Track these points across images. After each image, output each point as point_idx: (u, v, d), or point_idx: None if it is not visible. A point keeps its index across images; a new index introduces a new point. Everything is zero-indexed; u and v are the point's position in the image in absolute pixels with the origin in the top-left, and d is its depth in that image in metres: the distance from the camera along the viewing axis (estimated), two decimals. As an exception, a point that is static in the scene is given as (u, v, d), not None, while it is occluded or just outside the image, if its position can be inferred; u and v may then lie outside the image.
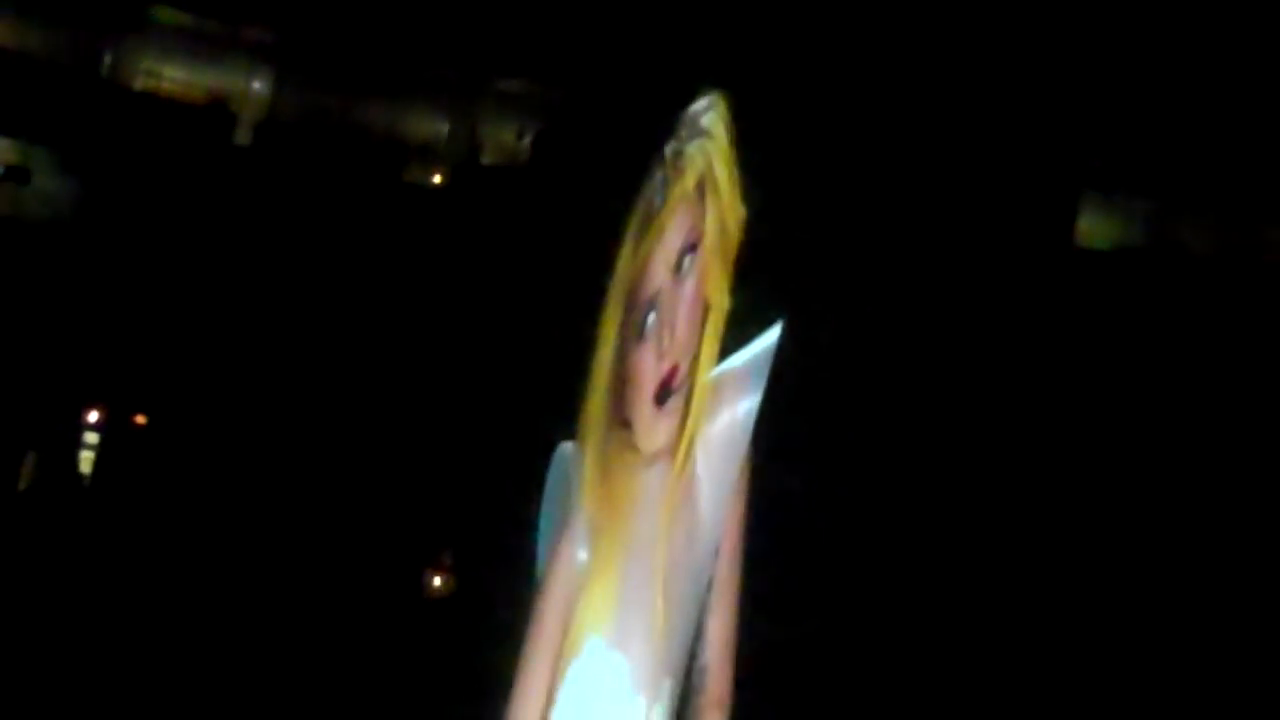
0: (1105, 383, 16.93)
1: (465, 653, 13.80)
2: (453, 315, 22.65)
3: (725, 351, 3.57)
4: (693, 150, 3.58)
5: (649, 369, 3.51)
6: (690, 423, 3.52)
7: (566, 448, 3.68)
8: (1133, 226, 21.62)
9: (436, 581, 18.06)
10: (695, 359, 3.54)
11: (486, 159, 27.58)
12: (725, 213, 3.56)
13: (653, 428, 3.51)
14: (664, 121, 3.67)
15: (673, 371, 3.50)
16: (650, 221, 3.57)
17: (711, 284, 3.55)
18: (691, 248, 3.53)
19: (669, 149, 3.60)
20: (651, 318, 3.52)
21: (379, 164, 26.36)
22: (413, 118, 27.62)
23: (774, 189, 3.62)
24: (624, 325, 3.56)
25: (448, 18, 25.68)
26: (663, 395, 3.50)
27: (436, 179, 27.07)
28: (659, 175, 3.59)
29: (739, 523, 3.60)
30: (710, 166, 3.56)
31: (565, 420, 3.66)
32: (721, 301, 3.55)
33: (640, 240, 3.57)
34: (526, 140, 26.93)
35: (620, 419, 3.55)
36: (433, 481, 19.83)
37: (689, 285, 3.54)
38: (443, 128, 27.78)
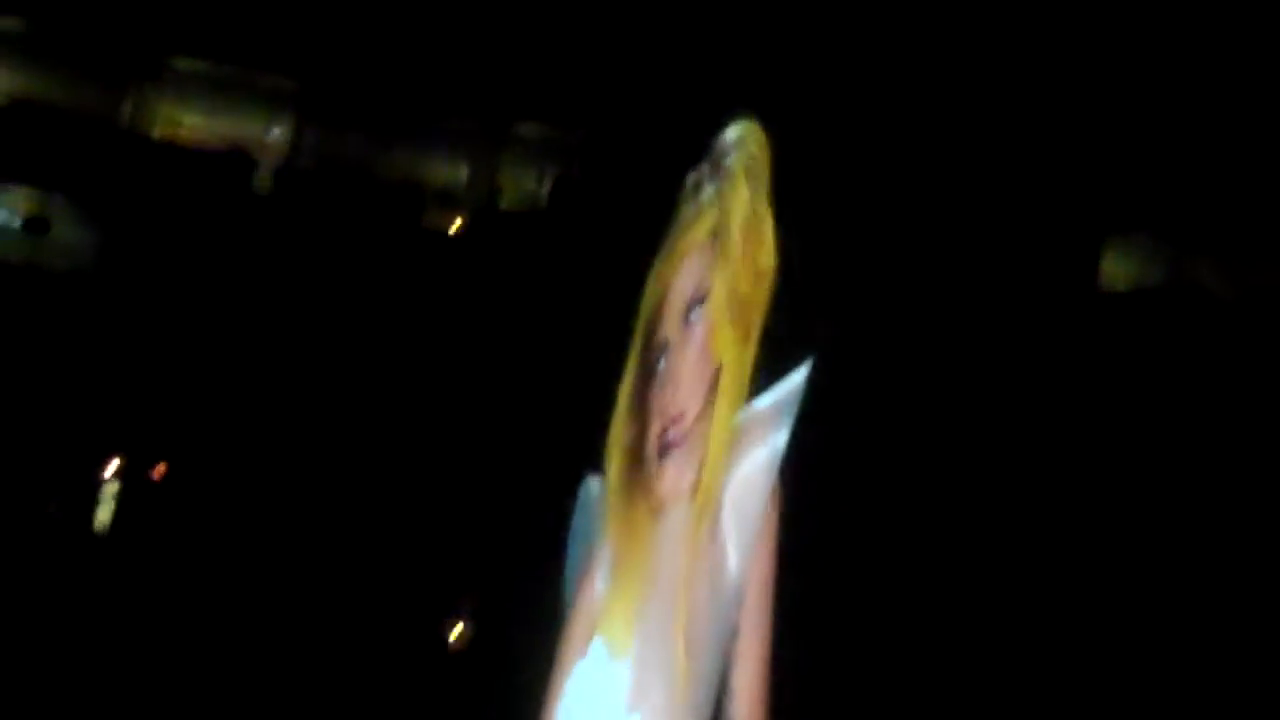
0: (1128, 423, 16.88)
1: (486, 706, 13.74)
2: (473, 360, 22.62)
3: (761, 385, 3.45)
4: (710, 195, 3.45)
5: (654, 415, 3.40)
6: (707, 473, 3.40)
7: (593, 482, 3.57)
8: (1154, 268, 21.56)
9: (456, 632, 17.98)
10: (707, 410, 3.41)
11: (506, 204, 27.57)
12: (737, 274, 3.43)
13: (661, 471, 3.40)
14: (686, 158, 3.58)
15: (673, 420, 3.38)
16: (669, 256, 3.45)
17: (721, 342, 3.42)
18: (699, 301, 3.42)
19: (691, 179, 3.49)
20: (662, 364, 3.41)
21: (398, 210, 26.36)
22: (432, 163, 27.62)
23: (796, 231, 3.52)
24: (641, 362, 3.45)
25: (466, 63, 25.70)
26: (662, 447, 3.40)
27: (456, 224, 27.06)
28: (681, 208, 3.48)
29: (766, 571, 3.47)
30: (726, 218, 3.44)
31: (587, 464, 3.58)
32: (738, 358, 3.42)
33: (659, 276, 3.45)
34: (546, 185, 26.93)
35: (638, 455, 3.43)
36: (453, 530, 19.76)
37: (697, 338, 3.41)
38: (462, 173, 27.78)
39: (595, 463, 3.49)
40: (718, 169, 3.46)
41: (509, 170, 27.72)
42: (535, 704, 3.52)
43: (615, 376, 3.45)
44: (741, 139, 3.49)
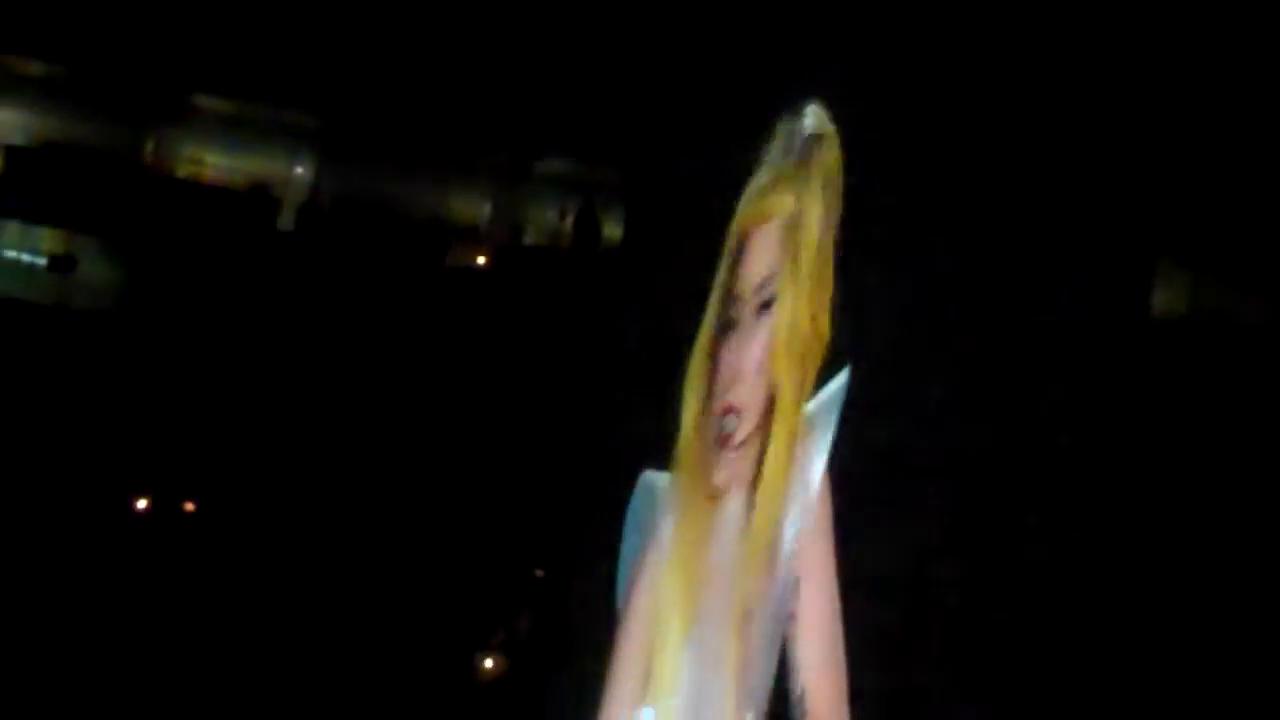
0: (1179, 452, 16.79)
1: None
2: (497, 397, 22.59)
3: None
4: (789, 177, 3.34)
5: (718, 390, 3.29)
6: (767, 469, 3.30)
7: (649, 477, 3.47)
8: (1205, 295, 21.43)
9: (489, 664, 17.93)
10: (767, 413, 3.29)
11: (529, 240, 27.58)
12: (799, 310, 3.32)
13: (719, 461, 3.30)
14: (719, 181, 3.48)
15: (733, 410, 3.28)
16: (754, 201, 3.32)
17: (780, 368, 3.31)
18: (765, 305, 3.32)
19: (776, 143, 3.36)
20: (731, 339, 3.29)
21: (422, 246, 26.38)
22: (455, 200, 27.65)
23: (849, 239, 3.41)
24: (712, 339, 3.33)
25: (488, 100, 25.74)
26: (720, 438, 3.29)
27: (480, 260, 27.07)
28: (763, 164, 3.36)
29: (823, 560, 3.37)
30: (800, 231, 3.33)
31: (618, 495, 3.51)
32: (795, 389, 3.30)
33: (740, 222, 3.33)
34: (569, 220, 26.94)
35: (702, 431, 3.31)
36: (483, 562, 19.73)
37: (762, 338, 3.30)
38: (485, 209, 27.80)
39: (622, 501, 3.41)
40: (804, 151, 3.34)
41: (532, 206, 27.75)
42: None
43: (638, 412, 3.38)
44: (821, 140, 3.38)
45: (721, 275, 3.28)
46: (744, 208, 3.30)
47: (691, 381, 3.28)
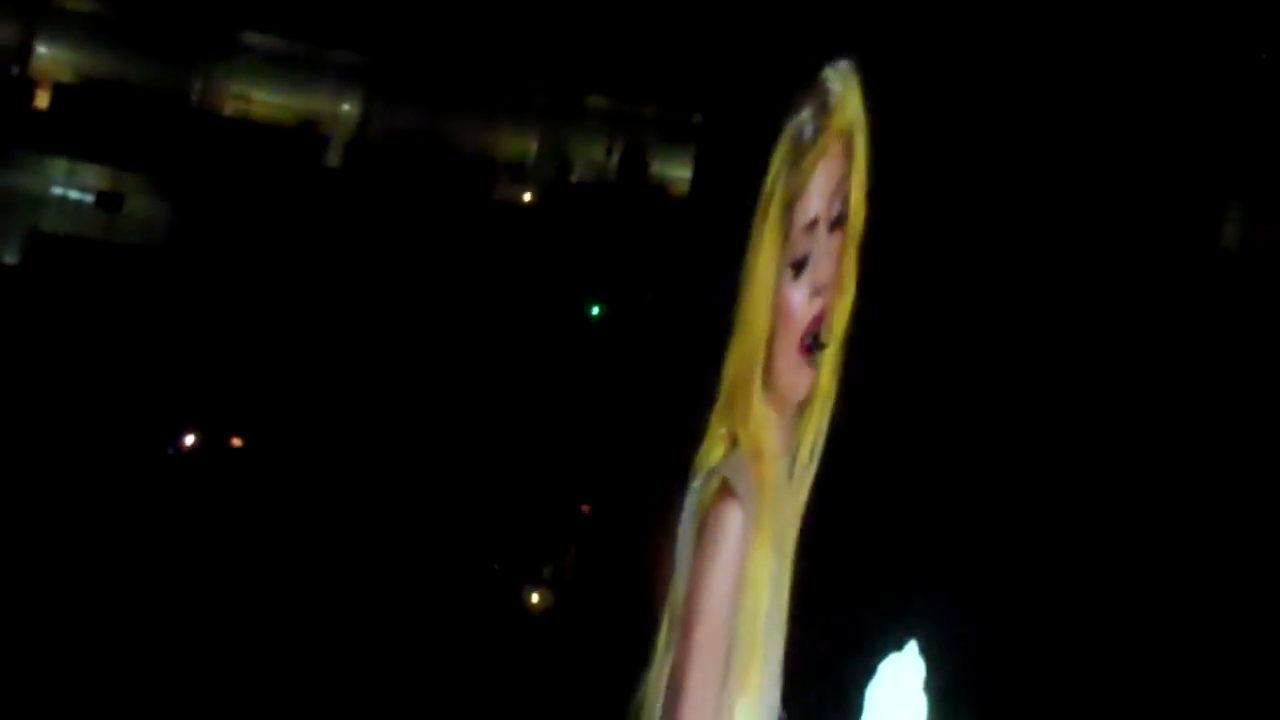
0: (1249, 388, 16.56)
1: (571, 671, 13.73)
2: (544, 333, 22.62)
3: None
4: (839, 97, 3.39)
5: (800, 309, 3.34)
6: (823, 383, 3.37)
7: (696, 484, 3.50)
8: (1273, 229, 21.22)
9: (535, 598, 17.99)
10: (842, 308, 3.37)
11: (576, 176, 27.54)
12: (858, 198, 3.40)
13: (796, 373, 3.35)
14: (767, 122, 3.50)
15: (819, 317, 3.34)
16: (801, 154, 3.37)
17: (846, 270, 3.40)
18: (839, 220, 3.37)
19: (818, 90, 3.40)
20: (808, 253, 3.35)
21: (469, 183, 26.37)
22: (502, 136, 27.62)
23: (908, 177, 3.44)
24: (779, 259, 3.38)
25: (535, 37, 25.68)
26: (810, 343, 3.34)
27: (526, 197, 27.06)
28: (806, 110, 3.39)
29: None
30: (854, 122, 3.38)
31: (662, 432, 3.51)
32: (847, 292, 3.39)
33: (793, 172, 3.37)
34: (615, 156, 26.90)
35: (768, 363, 3.37)
36: (530, 498, 19.77)
37: (836, 242, 3.37)
38: (532, 145, 27.77)
39: (666, 439, 3.44)
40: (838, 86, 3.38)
41: (579, 142, 27.70)
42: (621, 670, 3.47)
43: (689, 349, 3.40)
44: (849, 96, 3.42)
45: (774, 215, 3.33)
46: (792, 152, 3.36)
47: (751, 325, 3.33)
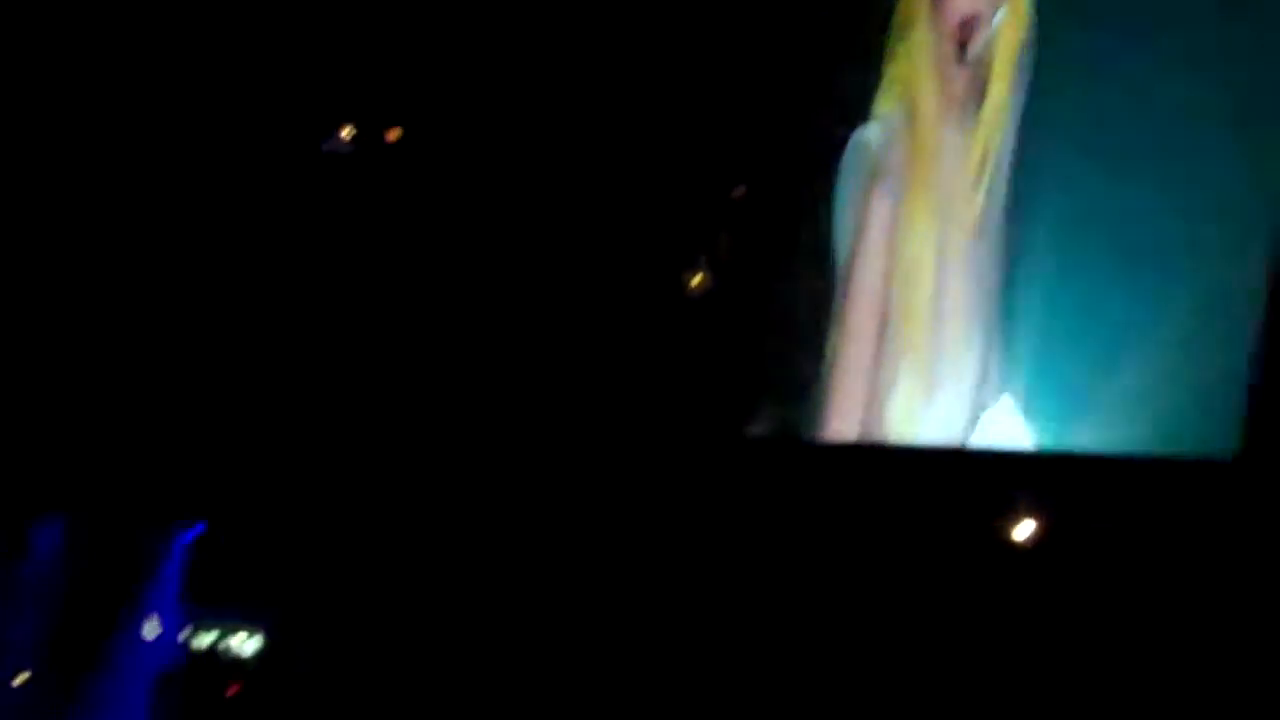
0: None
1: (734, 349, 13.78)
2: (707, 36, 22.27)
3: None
4: None
5: (954, 11, 3.22)
6: (993, 90, 3.23)
7: (864, 130, 3.40)
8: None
9: (696, 280, 17.97)
10: (999, 31, 3.22)
11: None
12: None
13: (949, 73, 3.23)
14: None
15: (969, 21, 3.20)
16: None
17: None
18: None
19: None
20: None
21: None
22: None
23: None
24: None
25: None
26: (959, 47, 3.21)
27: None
28: None
29: None
30: None
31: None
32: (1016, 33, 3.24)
33: None
34: None
35: (932, 60, 3.26)
36: (685, 182, 19.64)
37: None
38: None
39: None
40: None
41: None
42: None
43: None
44: None
45: None
46: None
47: (913, 17, 3.22)
